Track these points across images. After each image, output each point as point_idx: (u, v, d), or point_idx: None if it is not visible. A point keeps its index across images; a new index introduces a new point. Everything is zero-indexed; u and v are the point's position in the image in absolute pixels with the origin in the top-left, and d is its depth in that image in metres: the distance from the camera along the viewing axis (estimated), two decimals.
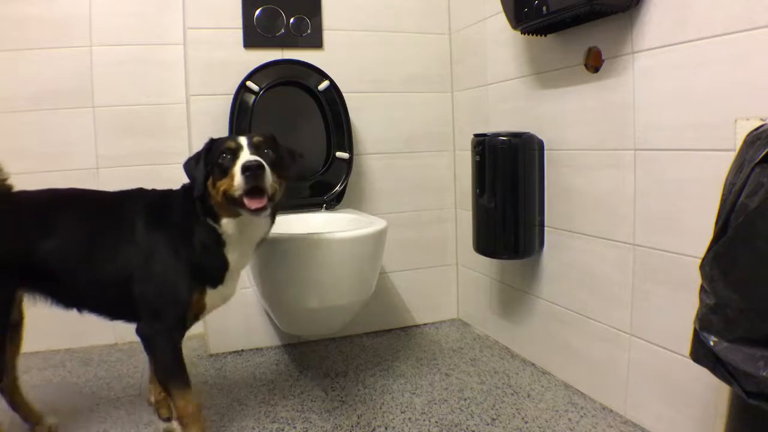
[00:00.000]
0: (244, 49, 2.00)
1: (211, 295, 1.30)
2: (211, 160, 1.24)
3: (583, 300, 1.60)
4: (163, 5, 2.08)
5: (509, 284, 1.97)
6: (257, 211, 1.18)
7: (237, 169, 1.16)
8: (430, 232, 2.32)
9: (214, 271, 1.29)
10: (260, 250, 1.61)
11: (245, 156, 1.20)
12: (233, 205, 1.21)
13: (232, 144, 1.23)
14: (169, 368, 1.27)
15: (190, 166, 1.29)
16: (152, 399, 1.54)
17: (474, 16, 2.07)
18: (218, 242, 1.28)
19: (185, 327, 1.29)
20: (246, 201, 1.18)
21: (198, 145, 1.31)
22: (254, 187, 1.17)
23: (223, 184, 1.20)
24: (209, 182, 1.23)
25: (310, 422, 1.51)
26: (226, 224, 1.26)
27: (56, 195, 1.31)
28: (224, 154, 1.22)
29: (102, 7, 2.05)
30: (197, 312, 1.30)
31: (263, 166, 1.17)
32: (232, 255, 1.30)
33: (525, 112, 1.81)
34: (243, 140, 1.24)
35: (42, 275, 1.23)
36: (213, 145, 1.26)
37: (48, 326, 2.09)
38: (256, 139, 1.26)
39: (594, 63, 1.50)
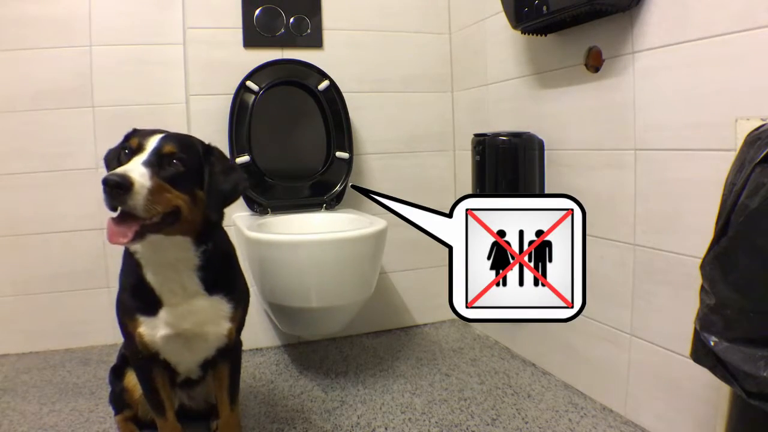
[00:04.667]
0: (244, 48, 2.00)
1: (148, 324, 1.12)
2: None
3: None
4: (163, 5, 2.08)
5: None
6: (117, 244, 0.96)
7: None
8: None
9: (139, 295, 1.12)
10: (261, 251, 1.61)
11: (133, 163, 0.97)
12: None
13: (135, 142, 1.03)
14: (142, 392, 1.26)
15: (108, 158, 1.13)
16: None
17: (474, 16, 2.07)
18: (135, 262, 1.12)
19: (141, 359, 1.17)
20: (107, 226, 0.96)
21: None
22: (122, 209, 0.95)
23: None
24: None
25: (310, 422, 1.51)
26: None
27: None
28: (125, 150, 1.04)
29: (102, 7, 2.05)
30: (143, 344, 1.14)
31: (127, 185, 0.91)
32: (152, 277, 1.11)
33: (525, 112, 1.81)
34: (153, 141, 1.03)
35: None
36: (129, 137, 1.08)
37: (48, 326, 2.10)
38: (167, 147, 1.03)
39: (594, 63, 1.50)
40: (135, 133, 1.08)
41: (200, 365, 1.27)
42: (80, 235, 2.09)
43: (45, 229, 2.07)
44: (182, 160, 1.03)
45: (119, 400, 1.39)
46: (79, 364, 1.96)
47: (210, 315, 1.17)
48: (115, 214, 0.98)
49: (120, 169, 0.94)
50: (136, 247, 1.08)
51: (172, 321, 1.12)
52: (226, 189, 1.11)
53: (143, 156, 1.00)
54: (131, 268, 1.13)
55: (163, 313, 1.12)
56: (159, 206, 0.97)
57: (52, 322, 2.10)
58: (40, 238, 2.06)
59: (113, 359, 1.44)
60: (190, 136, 1.13)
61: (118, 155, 1.07)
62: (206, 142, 1.15)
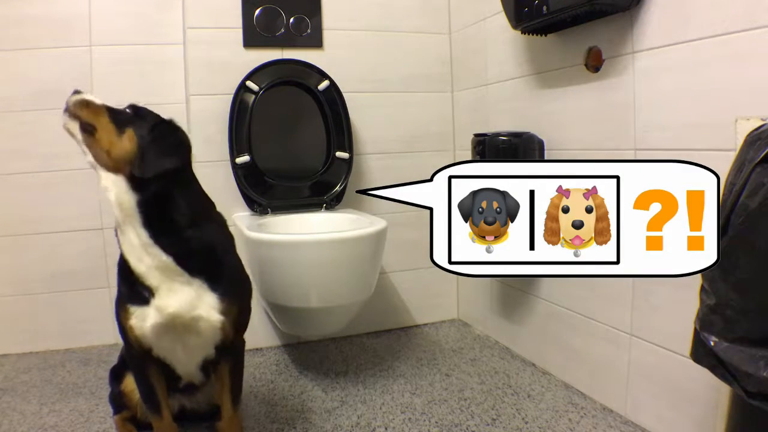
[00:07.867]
0: (244, 48, 2.00)
1: (139, 315, 1.15)
2: None
3: (583, 300, 1.60)
4: (163, 5, 2.08)
5: (509, 284, 1.97)
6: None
7: None
8: None
9: (129, 284, 1.18)
10: (261, 251, 1.61)
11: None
12: None
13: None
14: (138, 390, 1.28)
15: None
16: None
17: (474, 16, 2.07)
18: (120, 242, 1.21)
19: (136, 356, 1.21)
20: None
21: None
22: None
23: None
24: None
25: (310, 422, 1.51)
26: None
27: None
28: None
29: (102, 7, 2.04)
30: (134, 338, 1.18)
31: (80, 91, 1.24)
32: (124, 248, 1.16)
33: (525, 112, 1.81)
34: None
35: None
36: None
37: (48, 326, 2.10)
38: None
39: (594, 63, 1.50)
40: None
41: (201, 367, 1.26)
42: (80, 235, 2.09)
43: (45, 229, 2.07)
44: (133, 108, 1.27)
45: (118, 401, 1.39)
46: (79, 364, 1.96)
47: (194, 300, 1.15)
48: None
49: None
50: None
51: (160, 304, 1.13)
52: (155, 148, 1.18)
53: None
54: (121, 254, 1.17)
55: (154, 301, 1.13)
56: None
57: (52, 322, 2.10)
58: (40, 238, 2.06)
59: (113, 359, 1.44)
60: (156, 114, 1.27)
61: None
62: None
